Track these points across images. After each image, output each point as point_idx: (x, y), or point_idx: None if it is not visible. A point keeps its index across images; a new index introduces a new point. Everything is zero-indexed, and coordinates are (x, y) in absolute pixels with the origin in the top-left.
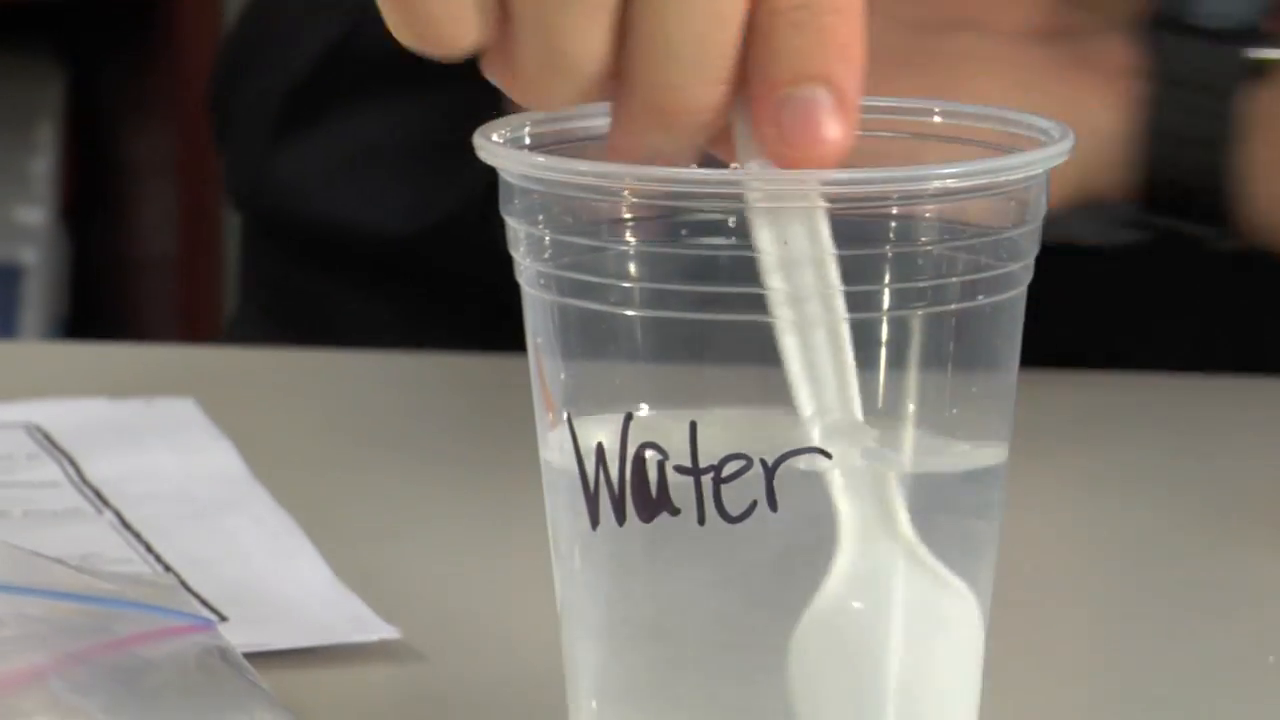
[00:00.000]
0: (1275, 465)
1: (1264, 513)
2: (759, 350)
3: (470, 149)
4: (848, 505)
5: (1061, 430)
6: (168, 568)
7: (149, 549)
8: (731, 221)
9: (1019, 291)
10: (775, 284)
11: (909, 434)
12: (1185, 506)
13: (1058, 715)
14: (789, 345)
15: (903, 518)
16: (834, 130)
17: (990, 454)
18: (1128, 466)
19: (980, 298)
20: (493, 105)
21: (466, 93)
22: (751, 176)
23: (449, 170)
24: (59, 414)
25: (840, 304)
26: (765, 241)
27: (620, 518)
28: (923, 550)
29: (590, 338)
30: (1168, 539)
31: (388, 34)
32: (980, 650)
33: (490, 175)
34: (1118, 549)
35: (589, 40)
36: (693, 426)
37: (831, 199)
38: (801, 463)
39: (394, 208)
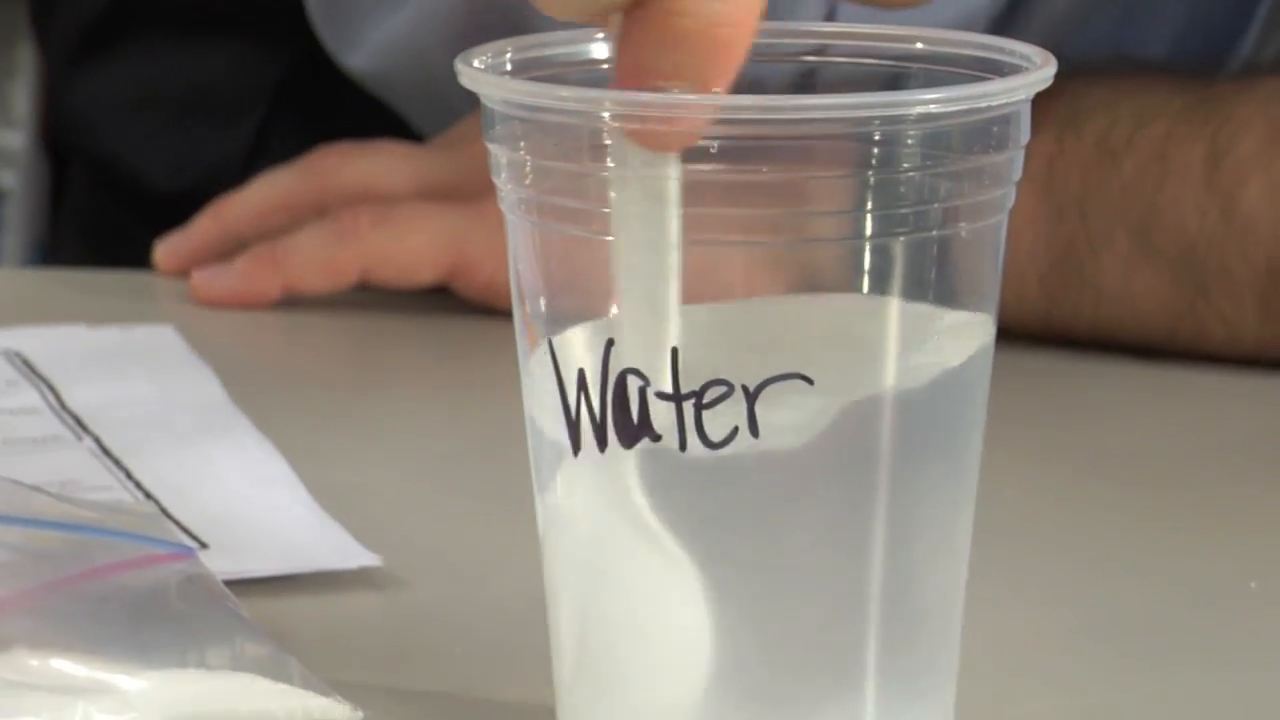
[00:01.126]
0: (1251, 395)
1: (1250, 442)
2: (739, 277)
3: (241, 106)
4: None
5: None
6: (148, 495)
7: (129, 476)
8: (714, 148)
9: (1001, 218)
10: (618, 201)
11: (890, 358)
12: (1173, 433)
13: (1040, 645)
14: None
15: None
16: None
17: (972, 377)
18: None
19: (962, 224)
20: (271, 62)
21: (242, 48)
22: (718, 101)
23: (216, 125)
24: (38, 341)
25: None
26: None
27: (601, 444)
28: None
29: (571, 263)
30: (1151, 467)
31: None
32: (957, 606)
33: (250, 140)
34: (1098, 477)
35: None
36: (674, 352)
37: (813, 124)
38: (783, 389)
39: (164, 157)
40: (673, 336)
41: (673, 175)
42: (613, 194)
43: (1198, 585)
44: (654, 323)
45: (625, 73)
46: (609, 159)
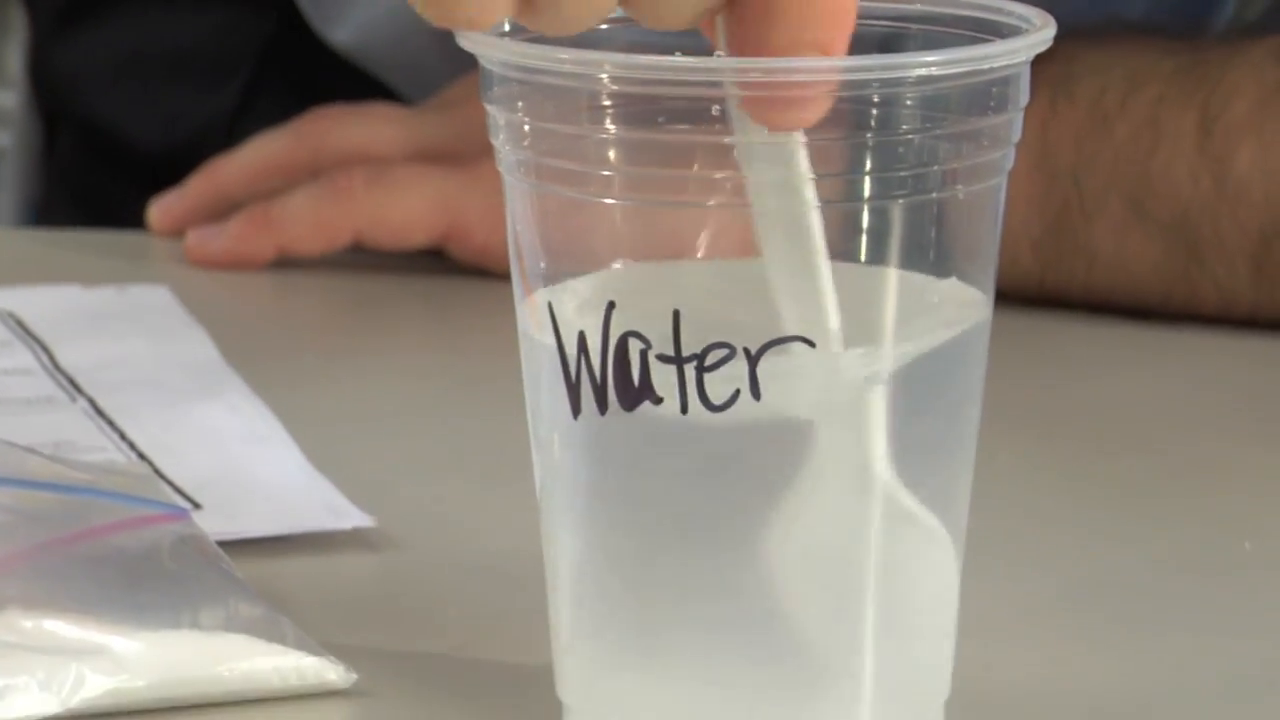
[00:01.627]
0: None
1: (1245, 403)
2: (740, 238)
3: (227, 68)
4: (823, 405)
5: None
6: (141, 455)
7: (123, 436)
8: (715, 109)
9: (1000, 180)
10: (749, 173)
11: (889, 323)
12: (1167, 395)
13: (1035, 603)
14: (762, 235)
15: (879, 443)
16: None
17: (972, 338)
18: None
19: (961, 187)
20: (257, 23)
21: (228, 10)
22: (732, 65)
23: (203, 86)
24: (32, 301)
25: (811, 195)
26: (741, 131)
27: (602, 407)
28: (899, 491)
29: (570, 225)
30: (1146, 429)
31: None
32: (954, 580)
33: (237, 101)
34: (1091, 439)
35: None
36: (676, 315)
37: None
38: (785, 352)
39: (151, 118)
40: (830, 298)
41: (799, 139)
42: (744, 167)
43: (1193, 547)
44: (810, 286)
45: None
46: (734, 129)
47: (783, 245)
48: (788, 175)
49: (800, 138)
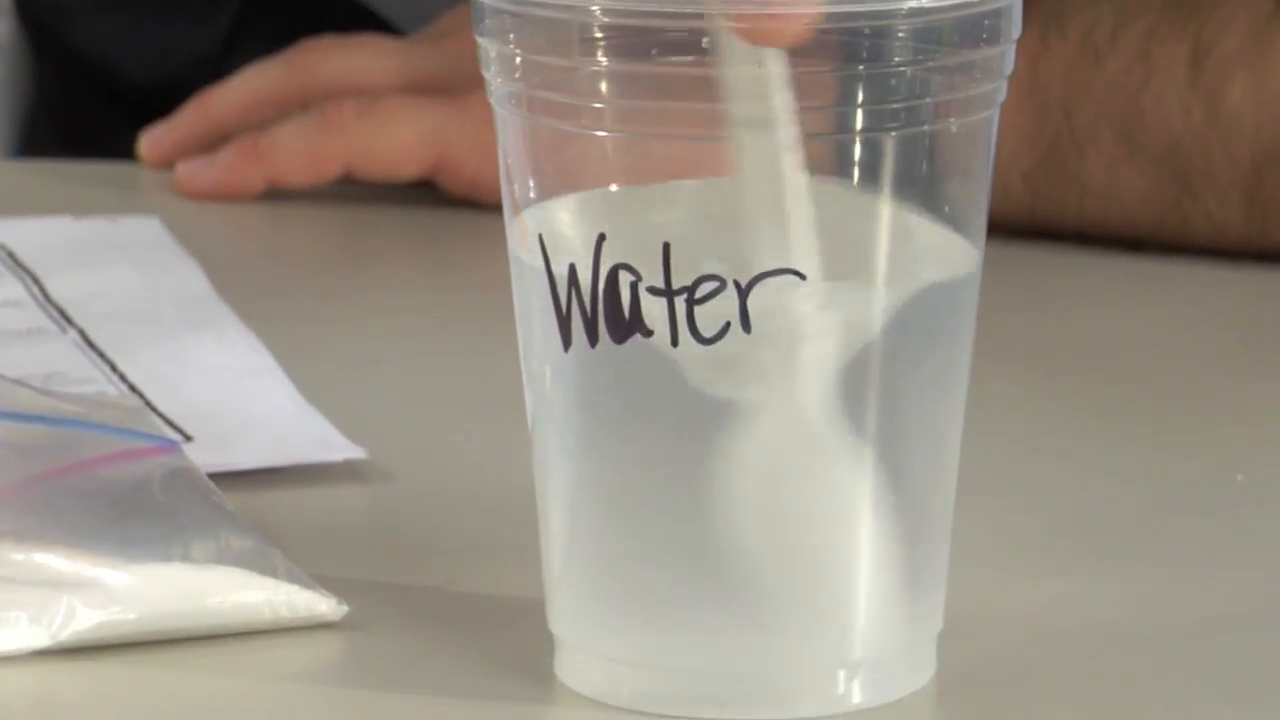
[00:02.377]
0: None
1: (1237, 335)
2: (731, 170)
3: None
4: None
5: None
6: (132, 387)
7: (113, 368)
8: (705, 41)
9: (992, 112)
10: (732, 106)
11: (881, 256)
12: (1159, 326)
13: (1027, 537)
14: (745, 167)
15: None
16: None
17: (964, 273)
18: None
19: (953, 119)
20: None
21: None
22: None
23: (191, 18)
24: (22, 232)
25: (790, 129)
26: (729, 64)
27: (592, 339)
28: (900, 426)
29: (561, 157)
30: (1138, 360)
31: None
32: (935, 518)
33: (226, 33)
34: (1082, 371)
35: None
36: (666, 248)
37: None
38: (775, 285)
39: (140, 50)
40: (807, 225)
41: (777, 69)
42: (724, 97)
43: (1185, 479)
44: (786, 220)
45: None
46: (716, 59)
47: (763, 179)
48: (767, 111)
49: (783, 71)
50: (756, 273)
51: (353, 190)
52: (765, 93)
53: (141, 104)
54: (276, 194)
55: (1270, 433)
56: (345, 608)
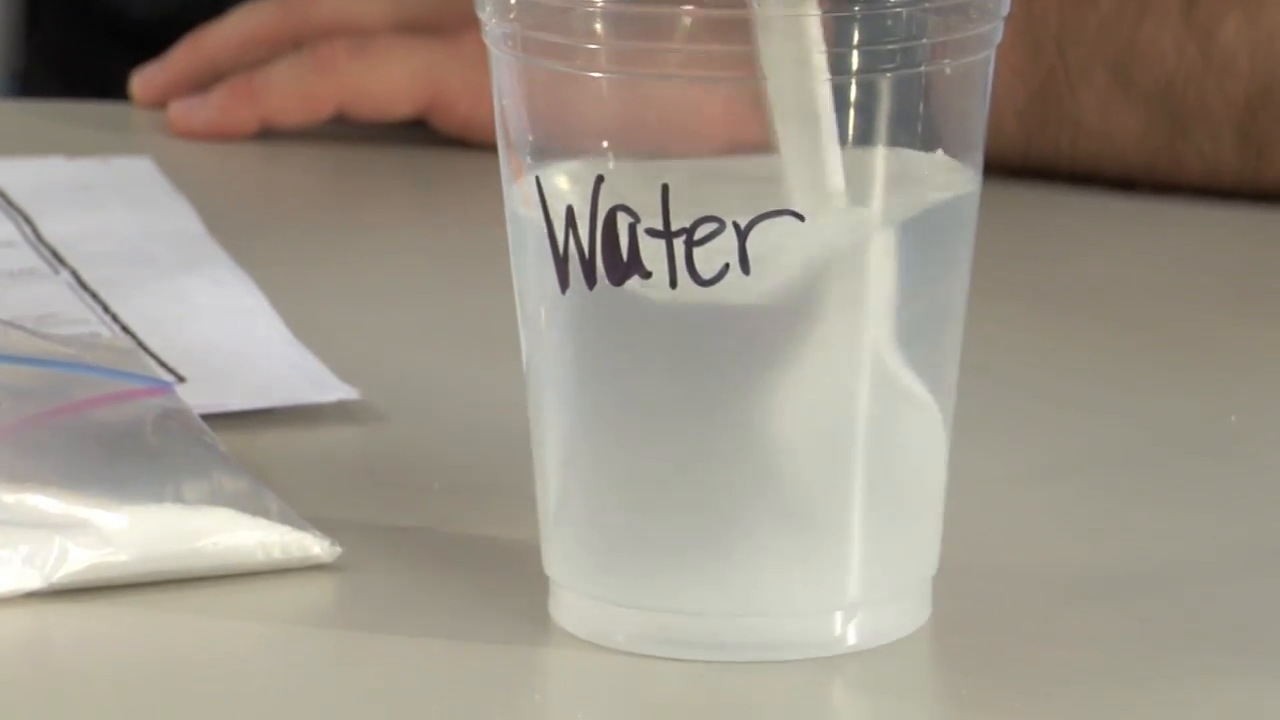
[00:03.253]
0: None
1: (1230, 276)
2: (729, 112)
3: None
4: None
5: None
6: (125, 328)
7: (106, 309)
8: None
9: (988, 54)
10: (759, 43)
11: (878, 193)
12: (1153, 266)
13: (1020, 477)
14: (774, 103)
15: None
16: None
17: (959, 207)
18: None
19: (949, 60)
20: None
21: None
22: None
23: None
24: (15, 172)
25: (821, 64)
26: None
27: (590, 281)
28: (891, 361)
29: (557, 98)
30: (1131, 300)
31: None
32: (942, 452)
33: None
34: (1076, 311)
35: None
36: (664, 189)
37: None
38: (774, 225)
39: None
40: (838, 171)
41: (814, 11)
42: (759, 39)
43: (1178, 419)
44: (817, 160)
45: None
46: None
47: (794, 113)
48: (801, 48)
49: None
50: (756, 214)
51: (345, 130)
52: (799, 30)
53: (137, 42)
54: (269, 134)
55: (1264, 373)
56: (338, 549)
